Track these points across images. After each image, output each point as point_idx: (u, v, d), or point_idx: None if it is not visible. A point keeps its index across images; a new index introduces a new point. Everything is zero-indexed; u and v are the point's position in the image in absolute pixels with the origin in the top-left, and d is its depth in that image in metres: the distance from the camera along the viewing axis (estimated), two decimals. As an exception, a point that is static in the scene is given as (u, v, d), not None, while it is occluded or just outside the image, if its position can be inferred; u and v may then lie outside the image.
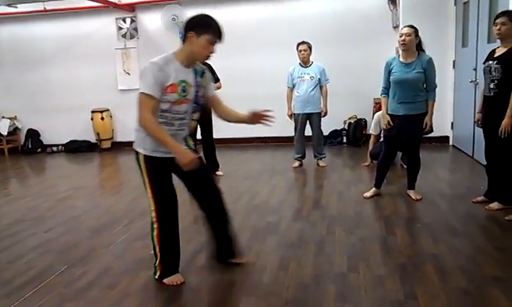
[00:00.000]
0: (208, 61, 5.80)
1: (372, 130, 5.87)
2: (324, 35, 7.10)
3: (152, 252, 2.86)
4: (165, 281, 2.77)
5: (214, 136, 5.63)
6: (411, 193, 4.28)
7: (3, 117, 8.45)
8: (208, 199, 2.80)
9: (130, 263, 3.11)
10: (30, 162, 7.70)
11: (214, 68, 5.48)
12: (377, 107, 6.66)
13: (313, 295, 2.56)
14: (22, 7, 7.73)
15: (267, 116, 2.67)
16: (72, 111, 8.25)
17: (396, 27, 6.90)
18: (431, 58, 4.01)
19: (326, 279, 2.73)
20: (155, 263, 2.79)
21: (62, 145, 8.43)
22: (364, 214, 3.92)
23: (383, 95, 4.24)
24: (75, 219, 4.13)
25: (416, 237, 3.39)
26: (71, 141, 8.36)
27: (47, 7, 7.78)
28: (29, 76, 8.36)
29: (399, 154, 5.44)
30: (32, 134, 8.48)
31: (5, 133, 8.26)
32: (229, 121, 2.86)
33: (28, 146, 8.43)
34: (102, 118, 8.01)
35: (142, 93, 2.44)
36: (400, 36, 3.97)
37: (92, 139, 8.22)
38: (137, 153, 2.65)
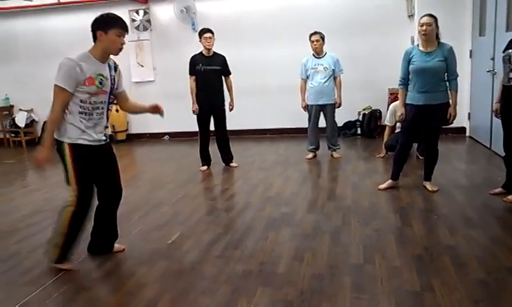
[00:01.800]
0: (222, 53, 5.81)
1: (387, 121, 5.81)
2: (337, 25, 7.03)
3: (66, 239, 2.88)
4: (58, 265, 2.90)
5: (228, 128, 5.64)
6: (428, 185, 4.24)
7: (20, 109, 8.58)
8: (111, 193, 3.03)
9: (147, 253, 3.15)
10: (46, 154, 7.79)
11: (227, 61, 5.48)
12: (392, 97, 6.58)
13: (328, 285, 2.56)
14: (37, 1, 7.80)
15: (161, 109, 3.26)
16: (87, 103, 8.31)
17: (411, 16, 6.80)
18: (451, 47, 3.93)
19: (341, 270, 2.73)
20: (54, 244, 2.87)
21: (77, 137, 8.52)
22: (379, 206, 3.90)
23: (400, 86, 4.16)
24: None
25: (433, 229, 3.36)
26: (86, 133, 8.45)
27: (61, 0, 7.84)
28: (44, 69, 8.40)
29: (415, 145, 5.39)
30: (49, 126, 8.58)
31: (22, 125, 8.39)
32: (134, 113, 3.61)
33: (45, 138, 8.53)
34: (117, 110, 8.01)
35: (56, 85, 2.69)
36: (422, 26, 3.88)
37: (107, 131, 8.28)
38: (61, 142, 2.80)
